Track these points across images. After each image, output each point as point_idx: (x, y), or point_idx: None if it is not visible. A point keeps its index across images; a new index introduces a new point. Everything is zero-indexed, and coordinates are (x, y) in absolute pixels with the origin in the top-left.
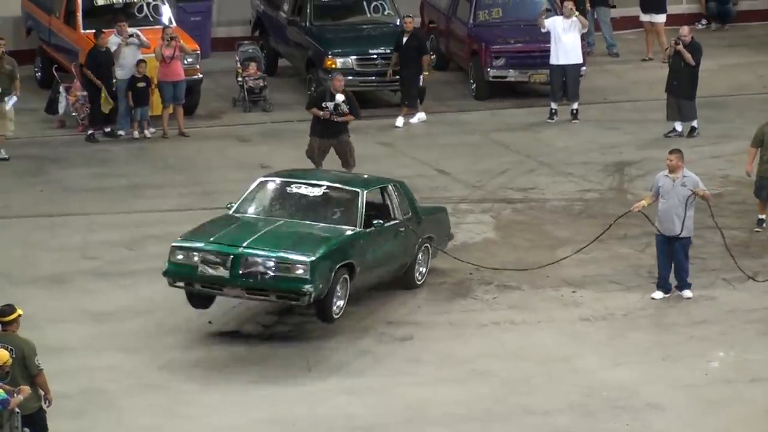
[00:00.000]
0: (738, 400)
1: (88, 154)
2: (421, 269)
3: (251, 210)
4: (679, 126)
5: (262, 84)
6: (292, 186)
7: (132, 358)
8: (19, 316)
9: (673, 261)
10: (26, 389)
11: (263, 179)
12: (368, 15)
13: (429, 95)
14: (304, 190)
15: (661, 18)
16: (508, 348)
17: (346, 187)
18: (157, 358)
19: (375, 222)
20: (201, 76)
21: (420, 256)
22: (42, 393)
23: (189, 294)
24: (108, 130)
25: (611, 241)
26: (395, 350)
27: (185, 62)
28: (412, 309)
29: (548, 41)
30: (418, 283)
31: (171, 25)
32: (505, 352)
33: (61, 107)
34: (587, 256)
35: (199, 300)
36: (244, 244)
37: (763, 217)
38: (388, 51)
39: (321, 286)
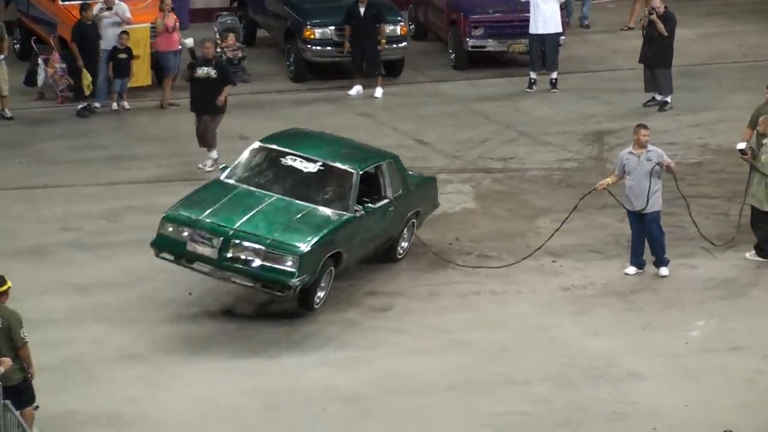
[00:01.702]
0: (718, 368)
1: (67, 126)
2: (403, 244)
3: (244, 177)
4: (658, 96)
5: (240, 55)
6: (287, 158)
7: (113, 330)
8: (9, 288)
9: (646, 237)
10: (7, 361)
11: (258, 145)
12: None
13: (408, 65)
14: (299, 164)
15: None
16: (488, 318)
17: (341, 167)
18: (138, 330)
19: (365, 206)
20: (180, 47)
21: (405, 231)
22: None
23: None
24: (83, 105)
25: (590, 210)
26: (375, 321)
27: None
28: (392, 279)
29: (527, 10)
30: (399, 257)
31: None
32: (485, 322)
33: (40, 79)
34: (567, 226)
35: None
36: (236, 226)
37: None
38: None
39: (307, 278)
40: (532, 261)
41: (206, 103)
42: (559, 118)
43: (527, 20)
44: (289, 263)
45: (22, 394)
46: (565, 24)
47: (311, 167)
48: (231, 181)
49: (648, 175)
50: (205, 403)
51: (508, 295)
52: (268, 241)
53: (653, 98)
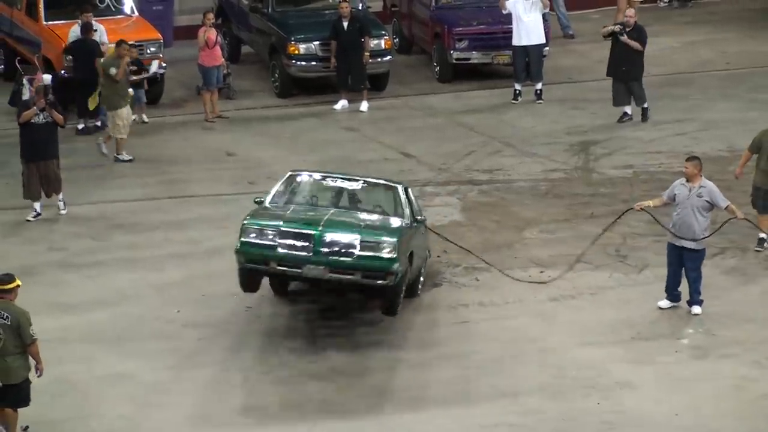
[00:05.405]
0: (708, 376)
1: None
2: (420, 278)
3: (287, 202)
4: (629, 109)
5: (225, 71)
6: (327, 179)
7: (102, 348)
8: (18, 286)
9: (685, 274)
10: None
11: (293, 172)
12: (330, 0)
13: (393, 78)
14: (341, 183)
15: None
16: (477, 329)
17: (386, 182)
18: (127, 348)
19: (419, 218)
20: (165, 65)
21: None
22: (33, 363)
23: (244, 275)
24: (83, 126)
25: (578, 220)
26: (364, 334)
27: (148, 52)
28: None
29: (511, 22)
30: (418, 293)
31: (133, 15)
32: (475, 333)
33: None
34: (554, 236)
35: (254, 282)
36: (322, 224)
37: (764, 236)
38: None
39: (402, 270)
40: (520, 271)
41: (47, 148)
42: (544, 129)
43: (511, 32)
44: (387, 249)
45: (20, 393)
46: (548, 34)
47: (355, 185)
48: (278, 205)
49: (695, 210)
50: (196, 420)
51: (496, 307)
52: (362, 230)
53: (625, 113)
